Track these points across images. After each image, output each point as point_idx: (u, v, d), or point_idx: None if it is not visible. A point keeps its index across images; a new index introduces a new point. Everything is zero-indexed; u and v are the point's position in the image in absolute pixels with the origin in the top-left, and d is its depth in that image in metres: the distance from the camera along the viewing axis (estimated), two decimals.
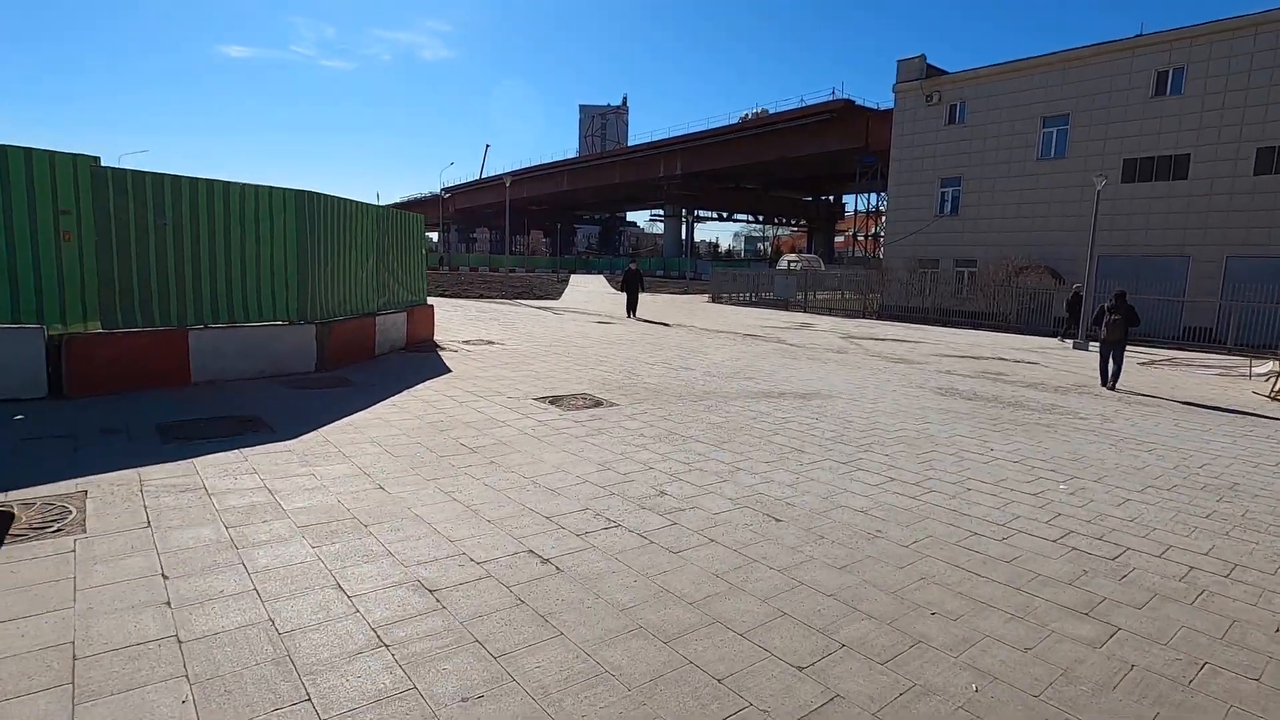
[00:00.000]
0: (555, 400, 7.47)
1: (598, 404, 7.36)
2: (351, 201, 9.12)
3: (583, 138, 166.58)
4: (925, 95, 30.60)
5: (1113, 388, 10.79)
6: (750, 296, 32.63)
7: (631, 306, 20.08)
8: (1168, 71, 24.11)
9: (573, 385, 8.40)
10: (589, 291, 36.52)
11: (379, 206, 9.88)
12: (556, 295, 31.88)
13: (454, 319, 16.99)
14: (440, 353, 10.83)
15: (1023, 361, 13.99)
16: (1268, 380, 12.80)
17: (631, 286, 20.23)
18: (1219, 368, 14.59)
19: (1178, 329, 21.78)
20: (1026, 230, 27.72)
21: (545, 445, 5.65)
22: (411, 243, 11.16)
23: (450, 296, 27.05)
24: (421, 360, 9.99)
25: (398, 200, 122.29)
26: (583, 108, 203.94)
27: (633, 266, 21.04)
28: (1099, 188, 17.08)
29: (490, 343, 12.32)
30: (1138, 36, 24.71)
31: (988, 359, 14.11)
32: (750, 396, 8.27)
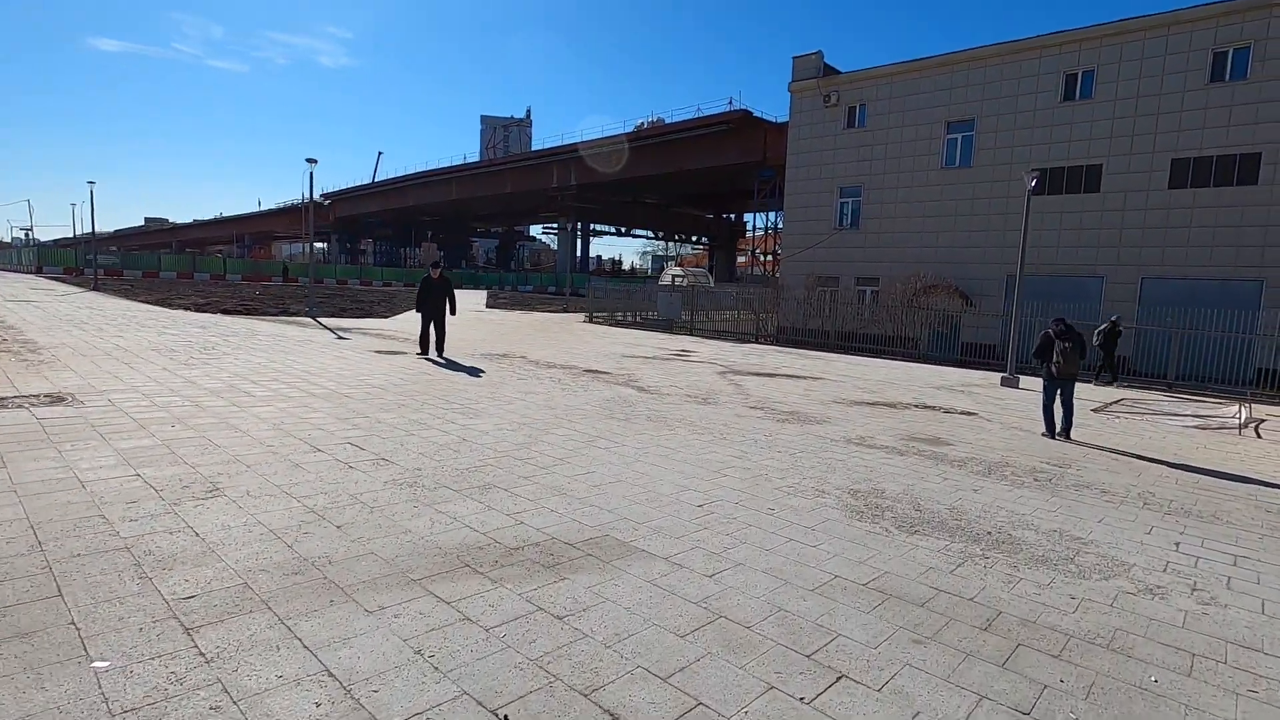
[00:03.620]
0: None
1: None
2: None
3: (484, 149, 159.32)
4: (822, 95, 27.50)
5: (1068, 437, 8.29)
6: (633, 316, 28.16)
7: (431, 338, 12.45)
8: (1076, 74, 21.88)
9: None
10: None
11: None
12: (393, 314, 26.07)
13: (133, 350, 11.12)
14: None
15: (955, 411, 9.97)
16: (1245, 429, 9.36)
17: (433, 306, 12.21)
18: (1192, 416, 11.22)
19: (1093, 355, 19.17)
20: (932, 246, 24.88)
21: None
22: None
23: (243, 314, 20.70)
24: None
25: (273, 206, 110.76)
26: (484, 119, 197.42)
27: (433, 275, 12.41)
28: (1029, 185, 13.71)
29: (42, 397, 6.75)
30: (1045, 35, 22.42)
31: (910, 407, 10.01)
32: (404, 584, 3.33)
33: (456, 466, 5.23)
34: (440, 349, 12.61)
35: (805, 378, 13.00)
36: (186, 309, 20.71)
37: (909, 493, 5.38)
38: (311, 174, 19.30)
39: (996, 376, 15.10)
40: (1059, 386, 8.31)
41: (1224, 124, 19.31)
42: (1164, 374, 15.54)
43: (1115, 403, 12.34)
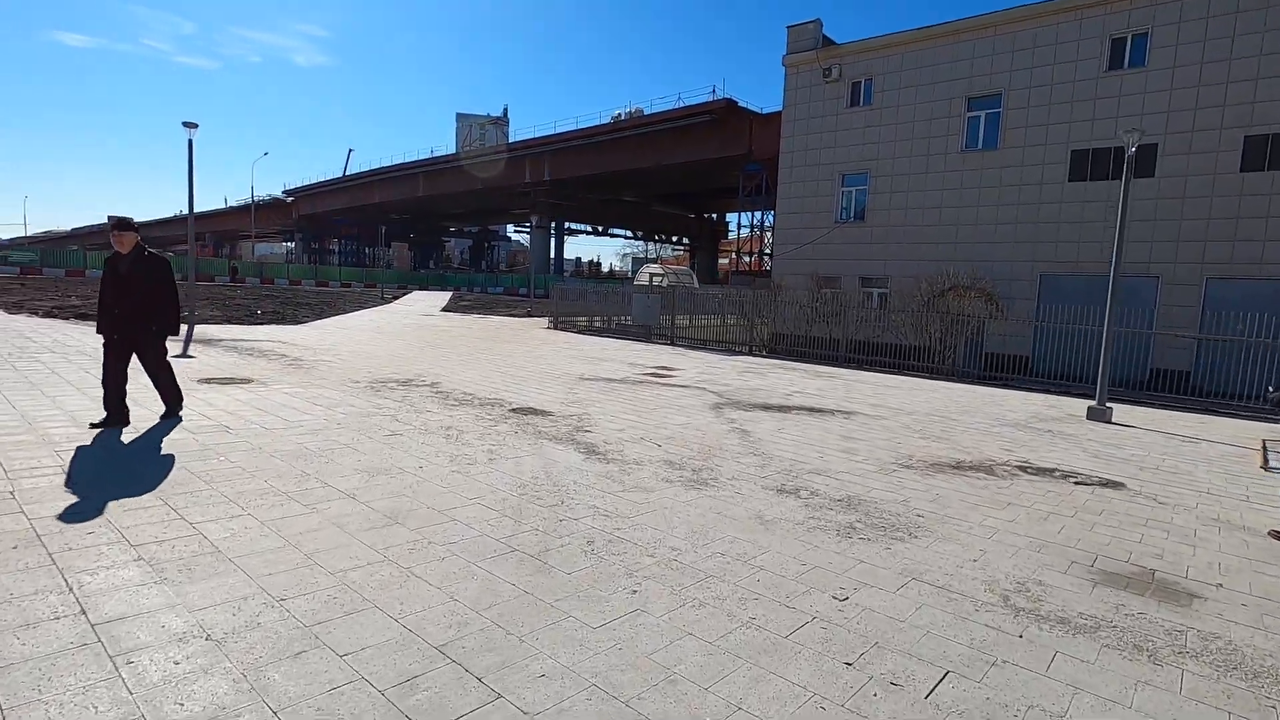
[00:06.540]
0: None
1: None
2: None
3: (460, 148, 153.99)
4: (822, 69, 23.94)
5: None
6: (605, 321, 24.28)
7: (111, 392, 5.62)
8: (1125, 38, 18.54)
9: None
10: (389, 313, 26.76)
11: None
12: (319, 318, 21.93)
13: None
14: None
15: (1087, 479, 6.27)
16: None
17: (122, 315, 5.63)
18: None
19: (1144, 371, 15.76)
20: (950, 241, 21.40)
21: None
22: None
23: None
24: None
25: (235, 204, 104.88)
26: (460, 116, 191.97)
27: (121, 251, 5.64)
28: (1131, 150, 10.10)
29: None
30: None
31: (1015, 472, 6.29)
32: None
33: None
34: (172, 408, 6.10)
35: (832, 412, 9.24)
36: (34, 314, 16.46)
37: None
38: (191, 141, 15.17)
39: (1072, 404, 11.53)
40: None
41: None
42: (1236, 393, 12.01)
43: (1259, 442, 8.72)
